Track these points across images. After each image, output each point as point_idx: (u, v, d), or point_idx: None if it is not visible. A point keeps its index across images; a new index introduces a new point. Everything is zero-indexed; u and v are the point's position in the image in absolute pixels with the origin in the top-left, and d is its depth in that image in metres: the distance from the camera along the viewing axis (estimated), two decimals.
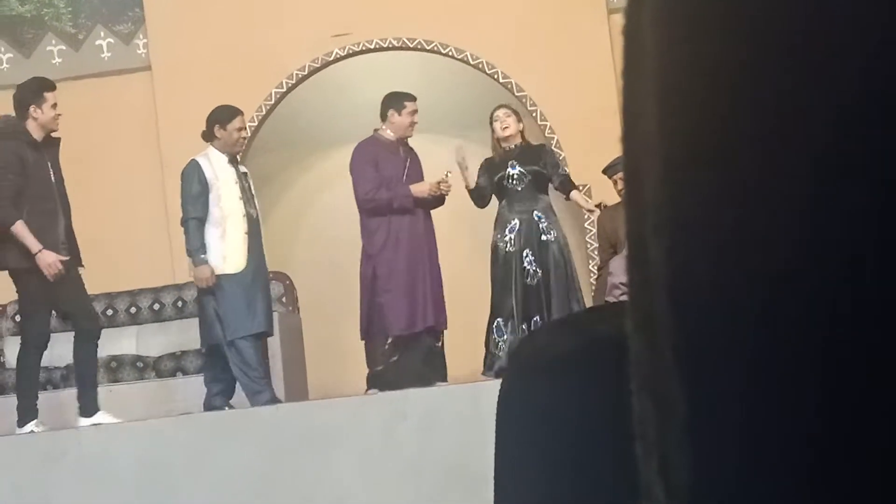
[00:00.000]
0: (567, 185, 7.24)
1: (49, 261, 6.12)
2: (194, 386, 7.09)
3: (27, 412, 6.22)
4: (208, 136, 6.96)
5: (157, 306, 8.18)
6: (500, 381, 0.75)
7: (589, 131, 7.76)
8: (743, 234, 0.38)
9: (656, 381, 0.40)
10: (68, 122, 8.56)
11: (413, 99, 7.28)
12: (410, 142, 7.44)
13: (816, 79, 0.37)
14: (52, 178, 6.34)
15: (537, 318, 6.87)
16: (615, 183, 7.42)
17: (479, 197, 7.26)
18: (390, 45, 9.15)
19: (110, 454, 5.64)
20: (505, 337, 6.91)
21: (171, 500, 5.55)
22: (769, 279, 0.38)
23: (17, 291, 6.48)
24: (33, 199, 6.22)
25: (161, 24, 9.23)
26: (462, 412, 5.46)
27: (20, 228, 6.12)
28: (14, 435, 6.04)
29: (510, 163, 7.10)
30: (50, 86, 6.55)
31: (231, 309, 6.61)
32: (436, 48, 9.07)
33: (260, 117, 9.15)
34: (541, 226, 7.00)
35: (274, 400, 6.49)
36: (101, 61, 9.35)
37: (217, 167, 6.84)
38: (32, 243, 6.12)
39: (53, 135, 6.51)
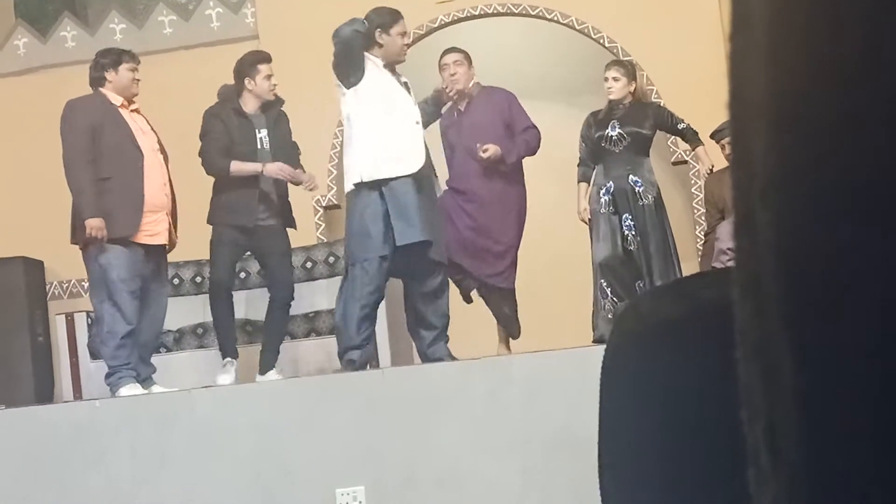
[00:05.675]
0: (690, 140, 7.06)
1: (275, 168, 6.60)
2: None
3: (268, 362, 6.77)
4: (370, 45, 6.30)
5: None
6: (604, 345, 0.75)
7: (695, 96, 7.61)
8: (859, 201, 0.37)
9: (763, 347, 0.39)
10: (179, 91, 8.72)
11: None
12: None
13: None
14: (259, 145, 6.72)
15: (640, 283, 6.77)
16: (723, 147, 7.29)
17: (581, 164, 7.13)
18: (495, 11, 9.10)
19: (223, 415, 5.76)
20: (609, 298, 6.80)
21: (279, 460, 5.65)
22: (888, 246, 0.36)
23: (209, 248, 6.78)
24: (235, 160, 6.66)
25: None
26: (568, 377, 5.45)
27: (236, 166, 6.61)
28: (132, 396, 6.20)
29: (612, 123, 6.90)
30: (264, 58, 6.82)
31: (400, 214, 6.16)
32: (541, 13, 8.99)
33: None
34: (637, 190, 6.81)
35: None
36: (210, 30, 9.48)
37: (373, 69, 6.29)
38: (253, 167, 6.61)
39: (272, 100, 6.80)
